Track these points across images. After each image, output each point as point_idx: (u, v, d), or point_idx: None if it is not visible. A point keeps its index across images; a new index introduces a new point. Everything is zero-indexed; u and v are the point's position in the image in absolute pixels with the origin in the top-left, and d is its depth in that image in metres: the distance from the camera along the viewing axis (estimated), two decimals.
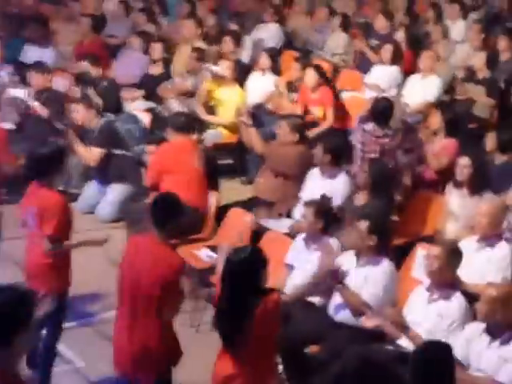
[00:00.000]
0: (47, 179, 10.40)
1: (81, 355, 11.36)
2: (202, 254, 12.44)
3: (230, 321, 8.05)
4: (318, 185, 12.88)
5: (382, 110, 14.08)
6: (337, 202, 12.46)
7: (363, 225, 10.40)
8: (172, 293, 8.82)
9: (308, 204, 11.69)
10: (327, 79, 14.98)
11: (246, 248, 8.70)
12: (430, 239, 11.99)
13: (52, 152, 10.77)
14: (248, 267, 8.03)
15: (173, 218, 9.02)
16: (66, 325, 10.78)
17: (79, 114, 15.06)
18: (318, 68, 15.39)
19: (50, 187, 10.41)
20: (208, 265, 12.14)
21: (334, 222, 11.45)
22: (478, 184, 12.26)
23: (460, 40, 18.88)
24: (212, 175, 13.87)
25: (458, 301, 9.64)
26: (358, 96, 16.76)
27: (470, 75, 17.12)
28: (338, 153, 13.04)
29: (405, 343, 9.57)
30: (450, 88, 16.79)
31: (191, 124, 14.17)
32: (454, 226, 12.09)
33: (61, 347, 10.91)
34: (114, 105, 15.80)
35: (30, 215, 10.27)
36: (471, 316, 9.51)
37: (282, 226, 12.60)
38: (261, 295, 8.01)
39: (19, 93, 16.20)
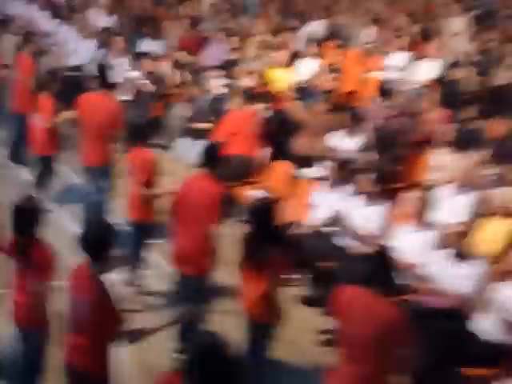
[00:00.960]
0: (143, 141, 10.77)
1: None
2: (256, 193, 12.34)
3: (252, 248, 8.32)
4: (342, 143, 12.66)
5: (385, 89, 14.10)
6: (354, 156, 12.24)
7: (365, 178, 10.42)
8: (214, 208, 9.17)
9: (333, 158, 11.77)
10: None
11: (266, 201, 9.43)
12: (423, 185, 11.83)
13: (147, 122, 11.65)
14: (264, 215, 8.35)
15: (213, 160, 9.43)
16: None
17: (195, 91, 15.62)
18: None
19: (145, 147, 10.75)
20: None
21: (352, 173, 11.17)
22: (460, 144, 11.99)
23: (460, 32, 18.43)
24: (276, 137, 13.83)
25: (432, 232, 9.60)
26: (382, 75, 16.36)
27: (465, 59, 16.77)
28: (356, 119, 12.83)
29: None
30: (449, 68, 16.37)
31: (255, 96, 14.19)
32: (442, 175, 11.78)
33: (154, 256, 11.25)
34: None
35: (132, 169, 10.63)
36: (442, 244, 9.32)
37: (313, 173, 12.42)
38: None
39: (135, 74, 16.22)
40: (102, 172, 11.91)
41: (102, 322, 7.03)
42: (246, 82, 15.96)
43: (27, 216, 7.92)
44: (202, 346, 5.39)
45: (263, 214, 8.40)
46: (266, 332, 8.37)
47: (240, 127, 13.12)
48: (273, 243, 8.17)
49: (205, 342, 5.48)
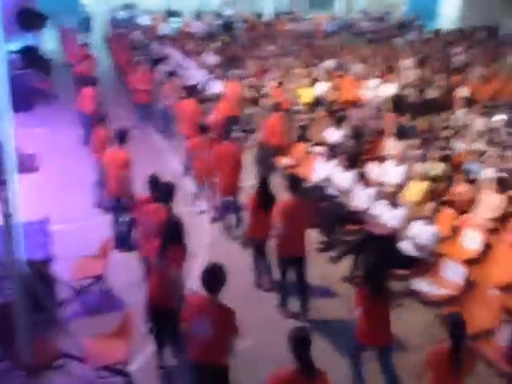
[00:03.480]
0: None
1: None
2: (285, 161, 11.83)
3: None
4: (331, 133, 11.94)
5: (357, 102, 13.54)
6: (339, 142, 11.59)
7: (343, 155, 9.85)
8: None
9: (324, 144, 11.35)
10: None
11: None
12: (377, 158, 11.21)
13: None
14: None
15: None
16: None
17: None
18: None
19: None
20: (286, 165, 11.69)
21: (335, 152, 10.54)
22: (399, 136, 11.33)
23: (409, 67, 17.53)
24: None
25: (379, 188, 9.10)
26: (363, 94, 15.50)
27: (410, 83, 15.97)
28: (341, 119, 12.12)
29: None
30: (401, 89, 15.56)
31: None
32: (389, 153, 11.07)
33: None
34: None
35: None
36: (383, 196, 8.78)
37: (318, 150, 11.53)
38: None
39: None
40: None
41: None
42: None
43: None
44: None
45: (266, 180, 8.14)
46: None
47: (275, 128, 11.96)
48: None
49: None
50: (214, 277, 5.41)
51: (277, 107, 12.26)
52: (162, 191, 7.20)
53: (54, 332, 6.76)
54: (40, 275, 6.67)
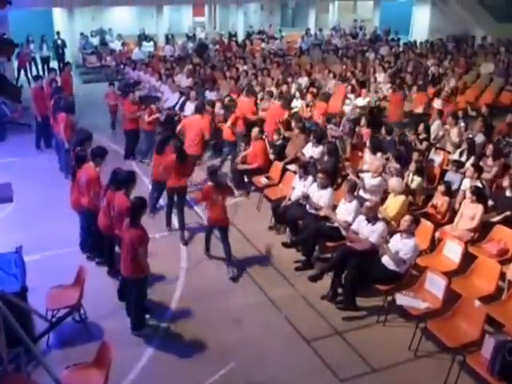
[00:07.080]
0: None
1: None
2: (263, 179, 11.78)
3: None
4: (308, 151, 11.95)
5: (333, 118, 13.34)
6: (316, 159, 11.57)
7: (321, 173, 9.73)
8: None
9: (301, 161, 11.32)
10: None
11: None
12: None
13: None
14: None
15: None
16: None
17: None
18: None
19: None
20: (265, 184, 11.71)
21: (310, 169, 10.52)
22: (374, 150, 11.39)
23: (382, 81, 17.70)
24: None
25: (355, 204, 9.10)
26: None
27: (384, 97, 16.10)
28: (319, 136, 12.09)
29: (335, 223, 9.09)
30: (374, 102, 15.72)
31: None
32: (366, 168, 11.13)
33: None
34: None
35: None
36: (360, 212, 8.75)
37: (294, 168, 11.60)
38: None
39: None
40: None
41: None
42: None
43: None
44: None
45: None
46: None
47: (258, 153, 12.18)
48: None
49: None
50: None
51: (258, 134, 12.39)
52: (121, 180, 8.29)
53: (31, 365, 6.63)
54: (14, 307, 6.51)
